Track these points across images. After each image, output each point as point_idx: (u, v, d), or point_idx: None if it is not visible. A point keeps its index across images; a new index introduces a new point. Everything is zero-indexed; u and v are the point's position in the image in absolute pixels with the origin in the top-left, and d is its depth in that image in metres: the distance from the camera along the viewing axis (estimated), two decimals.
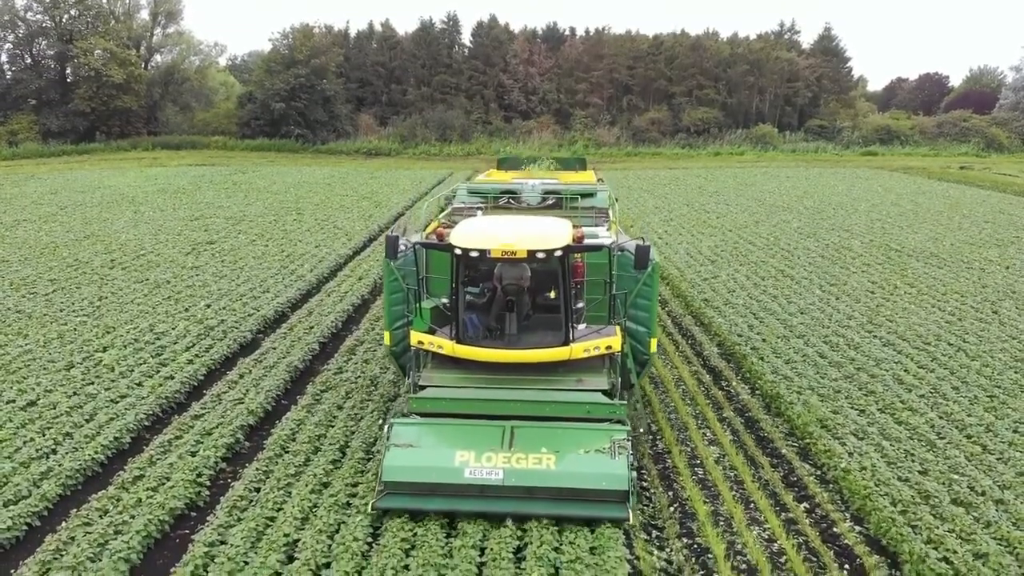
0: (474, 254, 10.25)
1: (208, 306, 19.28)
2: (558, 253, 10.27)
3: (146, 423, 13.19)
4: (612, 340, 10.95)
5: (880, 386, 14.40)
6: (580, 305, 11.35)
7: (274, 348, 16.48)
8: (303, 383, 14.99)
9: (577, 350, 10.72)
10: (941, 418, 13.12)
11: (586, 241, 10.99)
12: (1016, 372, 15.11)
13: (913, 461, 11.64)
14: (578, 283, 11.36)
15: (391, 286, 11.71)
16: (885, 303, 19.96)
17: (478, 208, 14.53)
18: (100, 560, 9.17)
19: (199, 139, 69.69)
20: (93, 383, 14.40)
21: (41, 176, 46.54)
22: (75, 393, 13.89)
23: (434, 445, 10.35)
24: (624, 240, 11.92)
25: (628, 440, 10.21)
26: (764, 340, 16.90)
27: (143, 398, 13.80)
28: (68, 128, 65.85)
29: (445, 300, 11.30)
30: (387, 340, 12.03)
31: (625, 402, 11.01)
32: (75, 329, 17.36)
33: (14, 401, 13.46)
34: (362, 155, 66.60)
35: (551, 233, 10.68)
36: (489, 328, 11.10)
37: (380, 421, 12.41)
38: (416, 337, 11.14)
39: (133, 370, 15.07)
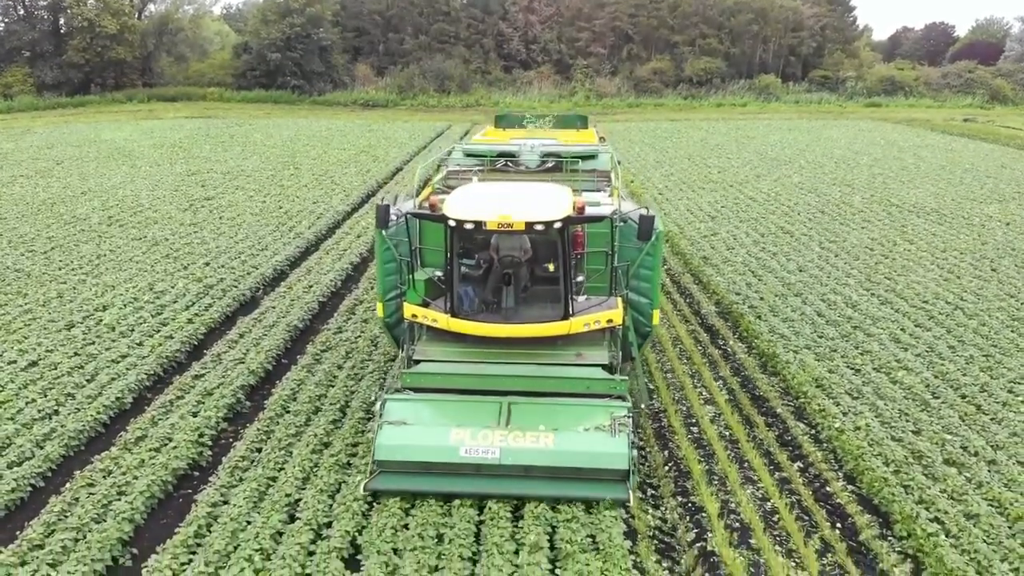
0: (469, 226, 9.69)
1: (207, 264, 19.27)
2: (558, 225, 9.71)
3: (147, 383, 13.31)
4: (613, 314, 10.49)
5: (876, 345, 14.49)
6: (580, 279, 10.82)
7: (273, 307, 16.53)
8: (303, 343, 15.08)
9: (577, 324, 10.25)
10: (936, 377, 13.23)
11: (588, 210, 10.49)
12: (1012, 331, 15.18)
13: (907, 421, 11.76)
14: (578, 254, 10.84)
15: (383, 255, 11.23)
16: (884, 260, 19.95)
17: (474, 172, 13.69)
18: (104, 521, 9.33)
19: (194, 90, 68.85)
20: (94, 343, 14.48)
21: (37, 130, 46.08)
22: (76, 353, 13.97)
23: (428, 422, 10.00)
24: (627, 208, 11.30)
25: (629, 417, 9.89)
26: (762, 298, 16.93)
27: (144, 358, 13.89)
28: (63, 80, 64.99)
29: (439, 273, 10.80)
30: (380, 311, 11.64)
31: (626, 378, 10.61)
32: (74, 288, 17.38)
33: (15, 362, 13.55)
34: (359, 106, 65.87)
35: (551, 203, 10.07)
36: (485, 302, 10.64)
37: (373, 397, 12.00)
38: (410, 310, 10.72)
39: (133, 329, 15.14)
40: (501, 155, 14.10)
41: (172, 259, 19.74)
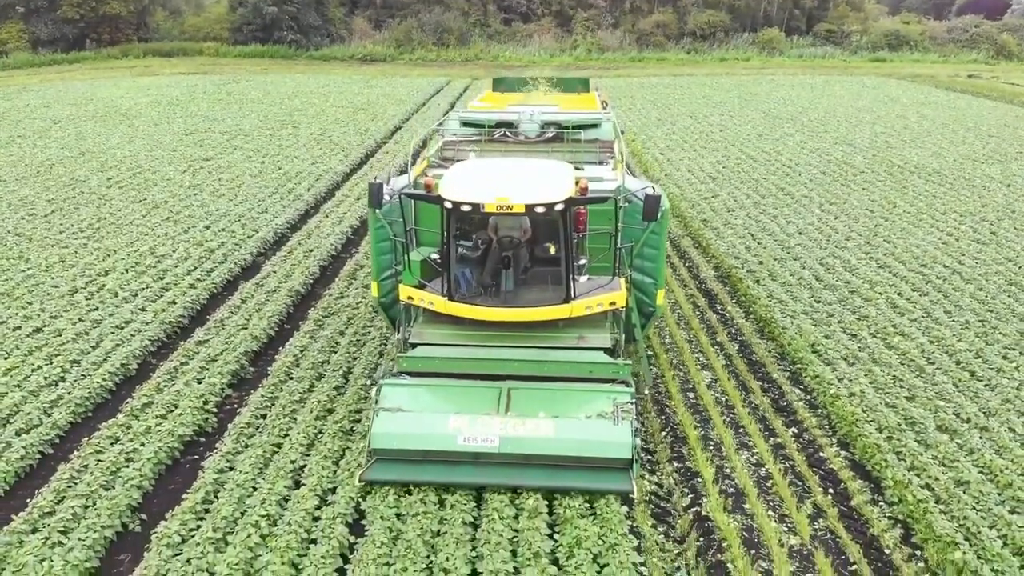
0: (466, 208, 9.26)
1: (207, 227, 19.30)
2: (559, 207, 9.29)
3: (151, 348, 13.47)
4: (616, 296, 10.13)
5: (873, 310, 14.60)
6: (583, 261, 10.47)
7: (275, 272, 16.62)
8: (305, 308, 15.21)
9: (578, 308, 9.86)
10: (932, 343, 13.37)
11: (591, 190, 9.98)
12: (1009, 296, 15.28)
13: (901, 387, 11.93)
14: (580, 233, 10.41)
15: (377, 234, 10.81)
16: (884, 223, 19.97)
17: (471, 141, 13.28)
18: (113, 487, 9.55)
19: (190, 45, 67.89)
20: (97, 308, 14.61)
21: (33, 87, 45.62)
22: (80, 319, 14.10)
23: (426, 409, 9.73)
24: (632, 184, 10.83)
25: (632, 403, 9.66)
26: (761, 262, 17.00)
27: (147, 323, 14.03)
28: (58, 36, 64.02)
29: (435, 255, 10.36)
30: (374, 291, 11.27)
31: (629, 362, 10.28)
32: (76, 252, 17.45)
33: (20, 328, 13.70)
34: (357, 61, 65.01)
35: (552, 184, 9.59)
36: (483, 285, 10.20)
37: (368, 381, 11.78)
38: (405, 292, 10.35)
39: (136, 295, 15.25)
40: (499, 124, 13.48)
41: (173, 222, 19.76)
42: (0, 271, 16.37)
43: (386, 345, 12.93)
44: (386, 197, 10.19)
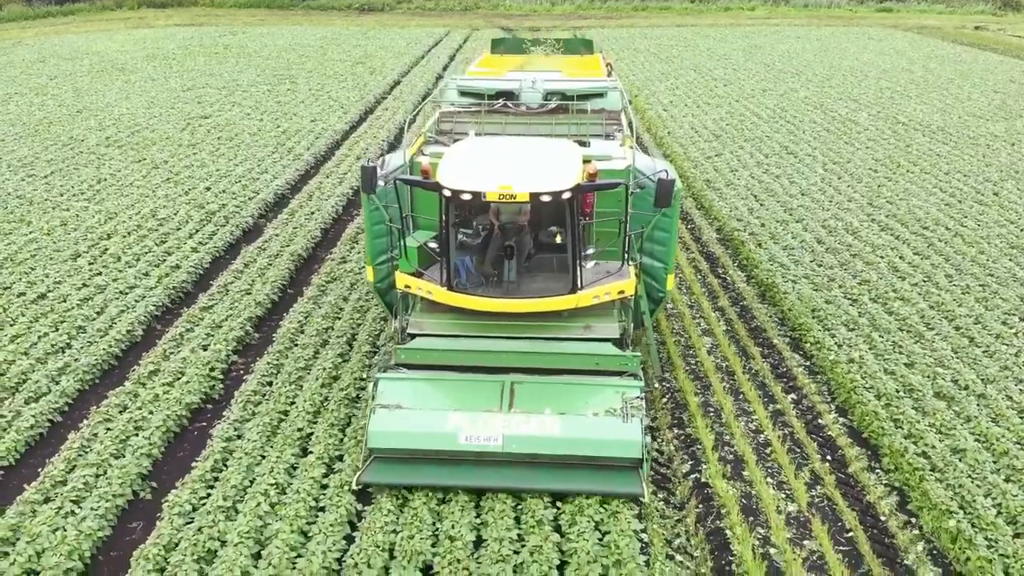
0: (466, 196, 8.75)
1: (208, 189, 19.23)
2: (566, 195, 8.78)
3: (156, 314, 13.56)
4: (625, 284, 9.66)
5: (874, 274, 14.64)
6: (590, 251, 10.04)
7: (277, 235, 16.61)
8: (307, 272, 15.26)
9: (585, 298, 9.40)
10: (932, 308, 13.44)
11: (598, 168, 9.56)
12: (1010, 260, 15.30)
13: (900, 353, 12.03)
14: (587, 217, 9.95)
15: (372, 216, 10.24)
16: (887, 183, 19.88)
17: (470, 114, 12.56)
18: (123, 456, 9.71)
19: None
20: (101, 273, 14.65)
21: (28, 42, 44.90)
22: (84, 284, 14.15)
23: (425, 406, 9.25)
24: (641, 162, 10.30)
25: (641, 398, 9.20)
26: (763, 225, 16.99)
27: (151, 289, 14.09)
28: None
29: (433, 243, 9.88)
30: (370, 276, 10.77)
31: (639, 353, 9.80)
32: (77, 215, 17.42)
33: (24, 294, 13.75)
34: (354, 11, 63.90)
35: (558, 170, 9.01)
36: (485, 273, 9.73)
37: (364, 375, 11.34)
38: (402, 280, 9.88)
39: (139, 259, 15.28)
40: (499, 94, 12.69)
41: (173, 183, 19.68)
42: (2, 235, 16.35)
43: (384, 331, 12.42)
44: (380, 183, 9.53)
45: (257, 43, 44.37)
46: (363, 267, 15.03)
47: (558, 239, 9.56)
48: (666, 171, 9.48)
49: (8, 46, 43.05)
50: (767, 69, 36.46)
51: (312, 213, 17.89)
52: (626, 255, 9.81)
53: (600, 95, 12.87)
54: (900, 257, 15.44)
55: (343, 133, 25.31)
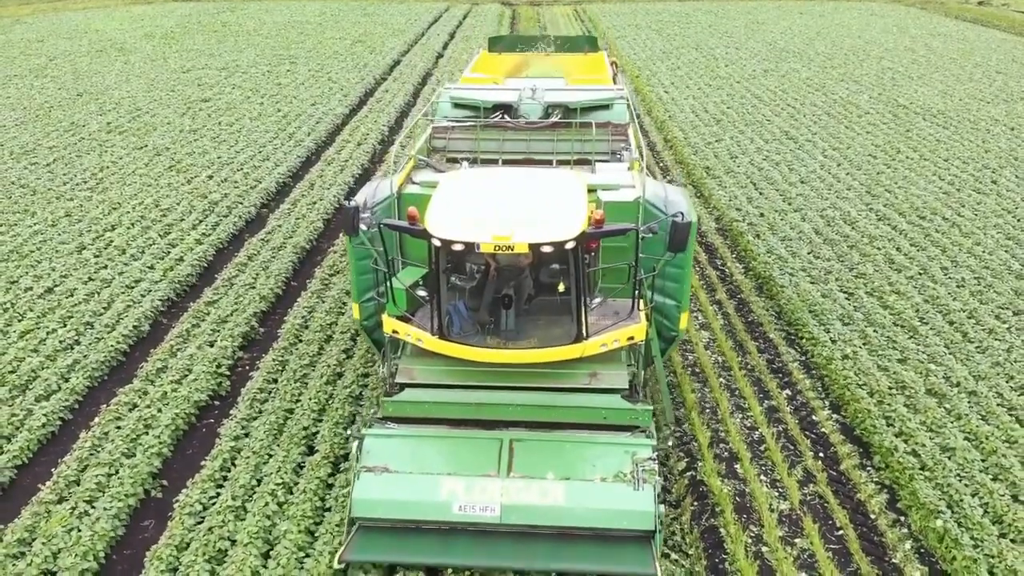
0: (458, 247, 7.89)
1: (210, 177, 19.34)
2: (570, 245, 7.85)
3: (162, 308, 13.76)
4: (635, 330, 8.75)
5: (871, 267, 14.80)
6: (598, 299, 9.08)
7: (279, 226, 16.76)
8: (311, 264, 15.44)
9: (592, 347, 8.48)
10: (927, 302, 13.62)
11: (604, 198, 8.97)
12: (1006, 252, 15.46)
13: (894, 349, 12.24)
14: (591, 262, 8.94)
15: (356, 252, 9.33)
16: (886, 170, 19.97)
17: (464, 128, 11.61)
18: (134, 455, 9.97)
19: None
20: (106, 266, 14.83)
21: (26, 20, 44.68)
22: (90, 279, 14.34)
23: (415, 468, 8.34)
24: (652, 190, 9.31)
25: (654, 459, 8.33)
26: (762, 215, 17.12)
27: (156, 283, 14.28)
28: None
29: (423, 291, 9.06)
30: (356, 314, 9.84)
31: (650, 406, 8.89)
32: (81, 206, 17.56)
33: (31, 288, 13.95)
34: None
35: (561, 214, 8.05)
36: (480, 321, 8.72)
37: (347, 432, 10.30)
38: (389, 325, 8.97)
39: (144, 252, 15.45)
40: (496, 107, 11.82)
41: (175, 171, 19.78)
42: (8, 226, 16.52)
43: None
44: (363, 227, 8.47)
45: (255, 20, 44.12)
46: None
47: (561, 287, 8.55)
48: (681, 213, 8.25)
49: (7, 25, 42.84)
50: (769, 48, 36.31)
51: (314, 203, 18.02)
52: (636, 301, 8.89)
53: (606, 106, 12.04)
54: (897, 249, 15.59)
55: (343, 117, 25.33)
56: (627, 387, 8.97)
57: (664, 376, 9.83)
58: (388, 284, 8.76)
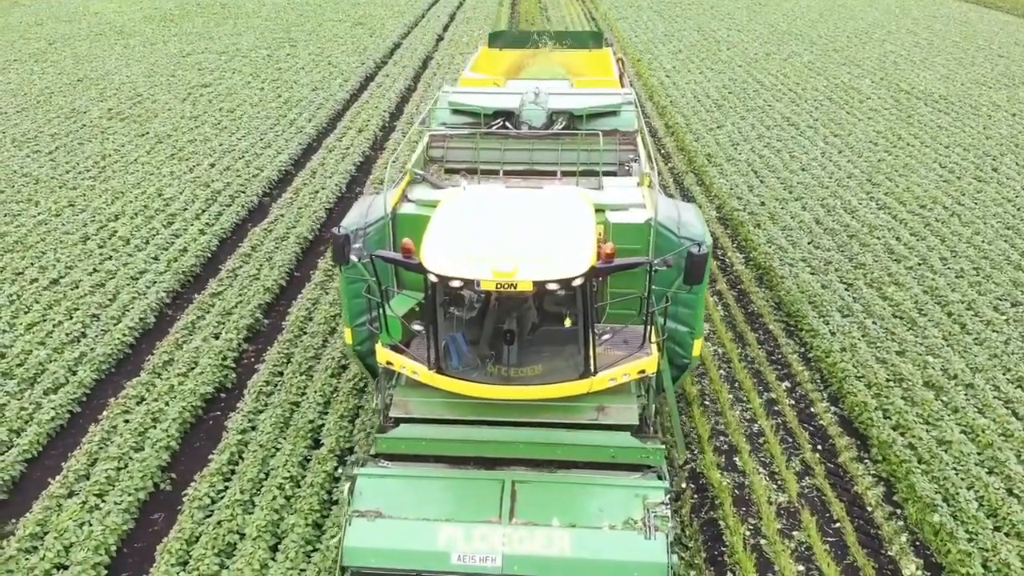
0: (456, 283, 7.30)
1: (212, 166, 19.38)
2: (578, 282, 7.27)
3: (167, 300, 13.87)
4: (646, 363, 8.15)
5: (870, 257, 14.89)
6: (606, 337, 8.43)
7: (282, 216, 16.82)
8: (314, 255, 15.53)
9: (600, 382, 7.91)
10: (925, 293, 13.72)
11: (612, 221, 8.51)
12: (1005, 241, 15.53)
13: (892, 341, 12.36)
14: (599, 285, 8.53)
15: (347, 275, 8.80)
16: (887, 157, 19.99)
17: (463, 137, 11.05)
18: (143, 449, 10.13)
19: None
20: (111, 257, 14.92)
21: (24, 3, 44.29)
22: (95, 270, 14.44)
23: (411, 513, 7.75)
24: (664, 209, 8.76)
25: (667, 504, 7.72)
26: (763, 203, 17.18)
27: (161, 274, 14.37)
28: None
29: (418, 325, 8.40)
30: (348, 339, 9.34)
31: (662, 445, 8.27)
32: (84, 195, 17.61)
33: (37, 280, 14.05)
34: None
35: (568, 249, 7.46)
36: (480, 355, 8.07)
37: (339, 470, 9.79)
38: (383, 355, 8.37)
39: (148, 242, 15.53)
40: (497, 114, 11.22)
41: (177, 159, 19.81)
42: (12, 216, 16.59)
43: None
44: (353, 258, 8.04)
45: (255, 1, 43.80)
46: None
47: (567, 322, 7.89)
48: (698, 245, 7.71)
49: (5, 8, 42.54)
50: (771, 30, 36.11)
51: (316, 192, 18.07)
52: (648, 332, 8.27)
53: (613, 113, 11.38)
54: (897, 238, 15.67)
55: (344, 103, 25.28)
56: (637, 422, 8.35)
57: (676, 407, 9.34)
58: (381, 312, 8.08)
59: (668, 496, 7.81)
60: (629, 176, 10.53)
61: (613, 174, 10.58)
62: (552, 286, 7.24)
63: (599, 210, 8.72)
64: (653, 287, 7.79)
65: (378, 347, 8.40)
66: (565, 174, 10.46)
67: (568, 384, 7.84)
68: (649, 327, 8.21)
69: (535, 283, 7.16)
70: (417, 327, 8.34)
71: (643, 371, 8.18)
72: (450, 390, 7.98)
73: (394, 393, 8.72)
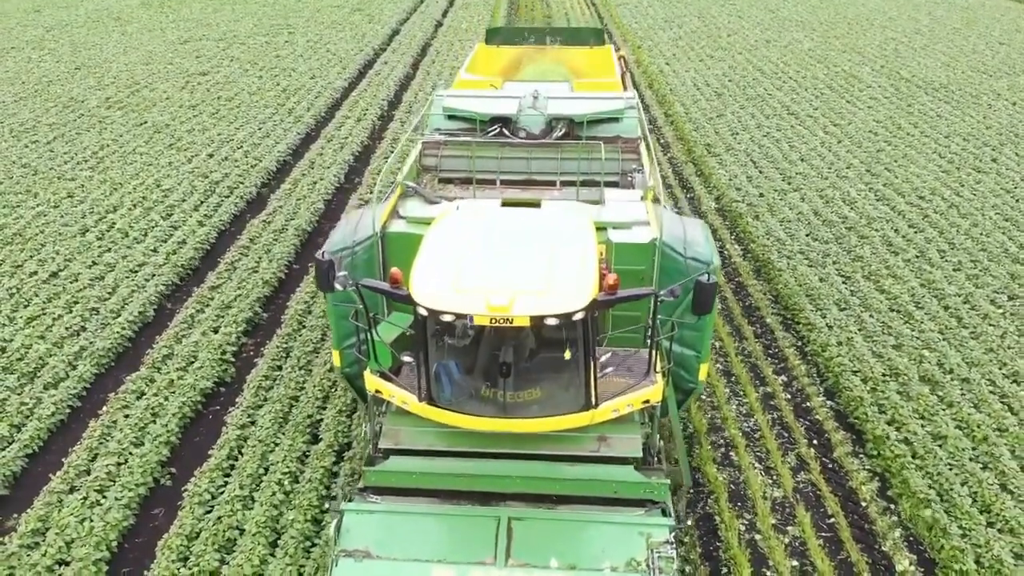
0: (448, 318, 6.84)
1: (211, 156, 19.35)
2: (579, 316, 6.82)
3: (166, 293, 13.90)
4: (650, 393, 7.74)
5: (868, 249, 14.90)
6: (609, 370, 7.92)
7: (280, 207, 16.81)
8: (312, 247, 15.54)
9: (602, 413, 7.47)
10: (923, 286, 13.75)
11: (615, 240, 8.17)
12: (1003, 233, 15.54)
13: (889, 335, 12.40)
14: (600, 316, 8.06)
15: (333, 298, 8.21)
16: (886, 147, 19.96)
17: (458, 145, 10.57)
18: (143, 444, 10.20)
19: None
20: (110, 250, 14.94)
21: None
22: (94, 262, 14.46)
23: (401, 554, 7.27)
24: (671, 232, 8.39)
25: (672, 543, 7.29)
26: (761, 195, 17.17)
27: (160, 266, 14.39)
28: None
29: (408, 357, 7.91)
30: (337, 361, 9.06)
31: (667, 479, 7.84)
32: (83, 186, 17.60)
33: (36, 273, 14.08)
34: None
35: (568, 280, 7.01)
36: (474, 385, 7.60)
37: (326, 506, 9.30)
38: (372, 383, 7.97)
39: (146, 234, 15.55)
40: (494, 120, 10.87)
41: (176, 150, 19.78)
42: (11, 208, 16.59)
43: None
44: (337, 286, 7.32)
45: None
46: None
47: (567, 355, 7.35)
48: (708, 274, 7.20)
49: None
50: (772, 16, 35.94)
51: (315, 183, 18.05)
52: (653, 360, 7.84)
53: (615, 119, 11.01)
54: (895, 230, 15.68)
55: (342, 91, 25.20)
56: (640, 454, 7.97)
57: (681, 434, 8.86)
58: (368, 338, 7.67)
59: (673, 534, 7.41)
60: (632, 188, 10.06)
61: (615, 184, 10.21)
62: (551, 321, 6.78)
63: (600, 228, 8.33)
64: (659, 317, 7.42)
65: (367, 374, 8.02)
66: (565, 184, 10.09)
67: (568, 416, 7.41)
68: (654, 354, 7.81)
69: (532, 318, 6.73)
70: (407, 358, 7.88)
71: (648, 401, 7.79)
72: (443, 422, 7.56)
73: (384, 422, 8.30)
